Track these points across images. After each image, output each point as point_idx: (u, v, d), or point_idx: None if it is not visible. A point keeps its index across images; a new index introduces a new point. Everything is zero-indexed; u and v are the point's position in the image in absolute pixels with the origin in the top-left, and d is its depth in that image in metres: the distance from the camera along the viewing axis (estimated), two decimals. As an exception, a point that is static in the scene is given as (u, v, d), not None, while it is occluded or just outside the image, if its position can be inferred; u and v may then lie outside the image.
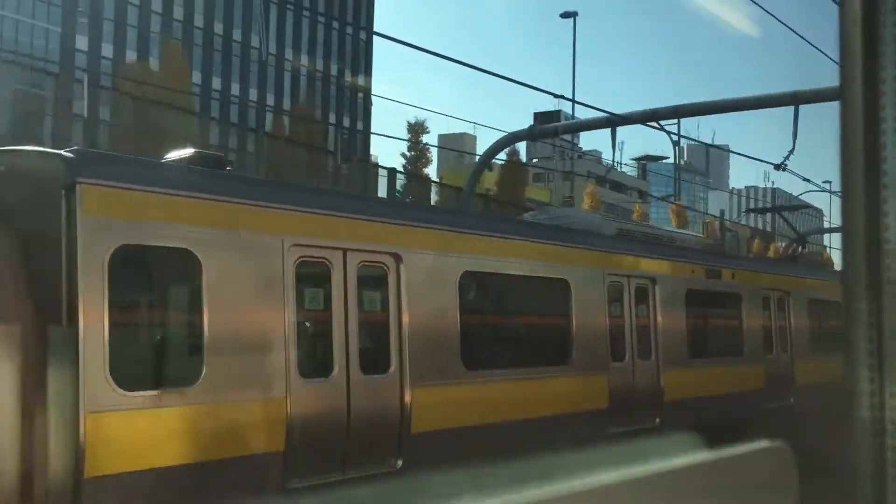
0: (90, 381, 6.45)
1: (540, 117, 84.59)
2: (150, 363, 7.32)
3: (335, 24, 67.55)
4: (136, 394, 6.79)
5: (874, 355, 1.70)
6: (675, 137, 23.40)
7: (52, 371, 6.35)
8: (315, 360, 8.36)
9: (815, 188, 38.46)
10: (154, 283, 7.64)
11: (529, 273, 11.12)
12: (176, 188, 7.33)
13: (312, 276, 8.43)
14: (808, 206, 30.76)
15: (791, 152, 19.28)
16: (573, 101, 29.59)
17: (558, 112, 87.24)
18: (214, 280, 7.39)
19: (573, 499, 3.17)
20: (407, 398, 9.03)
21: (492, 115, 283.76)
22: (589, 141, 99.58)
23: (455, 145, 43.37)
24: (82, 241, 6.52)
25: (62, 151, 6.96)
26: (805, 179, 30.68)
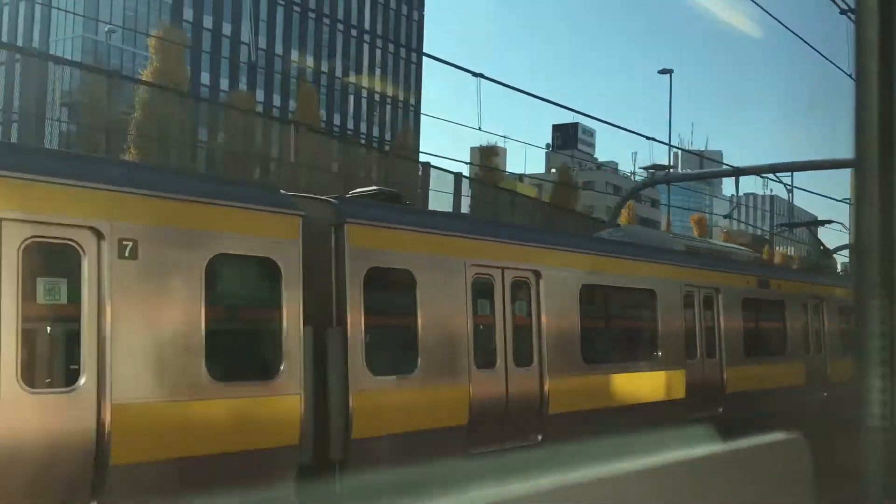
0: (354, 367, 8.72)
1: (558, 129, 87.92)
2: (388, 355, 9.57)
3: (391, 48, 71.90)
4: (381, 378, 9.07)
5: (886, 356, 1.65)
6: (789, 187, 26.63)
7: (330, 359, 8.62)
8: (485, 354, 10.59)
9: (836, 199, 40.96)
10: (389, 296, 9.90)
11: (627, 285, 13.40)
12: (401, 224, 9.63)
13: (482, 289, 10.70)
14: (831, 220, 32.28)
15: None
16: (669, 145, 32.11)
17: (575, 125, 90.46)
18: (424, 293, 9.67)
19: (598, 484, 3.42)
20: (545, 386, 11.28)
21: (512, 127, 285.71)
22: (605, 152, 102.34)
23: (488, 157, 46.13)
24: (348, 265, 8.80)
25: (330, 199, 9.24)
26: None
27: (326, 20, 68.68)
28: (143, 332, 7.10)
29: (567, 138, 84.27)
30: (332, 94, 68.36)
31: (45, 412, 6.51)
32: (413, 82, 75.00)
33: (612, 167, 78.92)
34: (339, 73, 67.17)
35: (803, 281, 19.96)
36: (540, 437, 11.23)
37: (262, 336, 8.31)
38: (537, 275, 11.40)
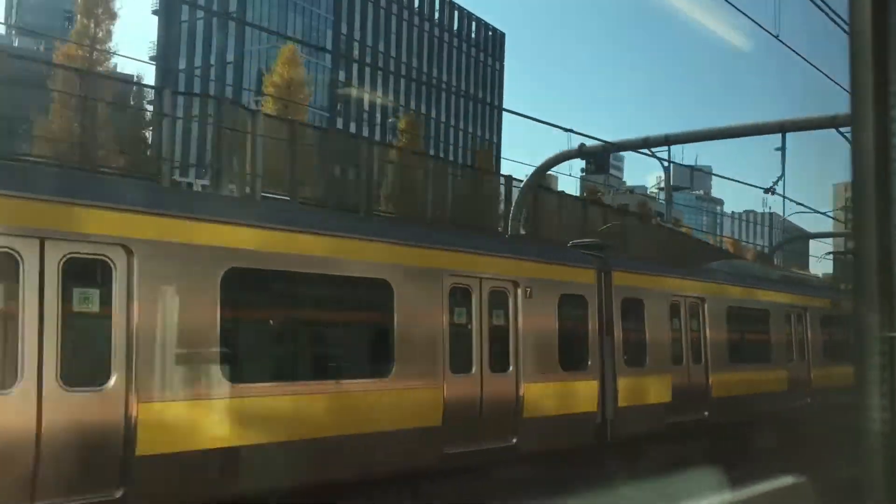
0: (618, 361, 13.55)
1: (591, 156, 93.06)
2: (633, 354, 14.36)
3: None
4: (630, 368, 13.90)
5: (885, 368, 1.68)
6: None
7: (606, 356, 13.42)
8: (676, 354, 15.40)
9: (806, 210, 45.55)
10: (632, 316, 14.67)
11: (754, 307, 18.26)
12: (636, 269, 14.51)
13: (674, 311, 15.49)
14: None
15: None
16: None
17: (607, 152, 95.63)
18: (650, 315, 14.51)
19: None
20: (710, 378, 16.09)
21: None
22: (633, 176, 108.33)
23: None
24: (615, 296, 13.65)
25: (599, 254, 14.12)
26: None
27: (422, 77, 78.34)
28: (535, 339, 11.94)
29: (600, 164, 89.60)
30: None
31: (498, 386, 11.35)
32: (495, 125, 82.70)
33: (641, 192, 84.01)
34: (443, 117, 74.58)
35: None
36: (706, 414, 16.03)
37: (581, 342, 13.11)
38: (703, 300, 16.25)
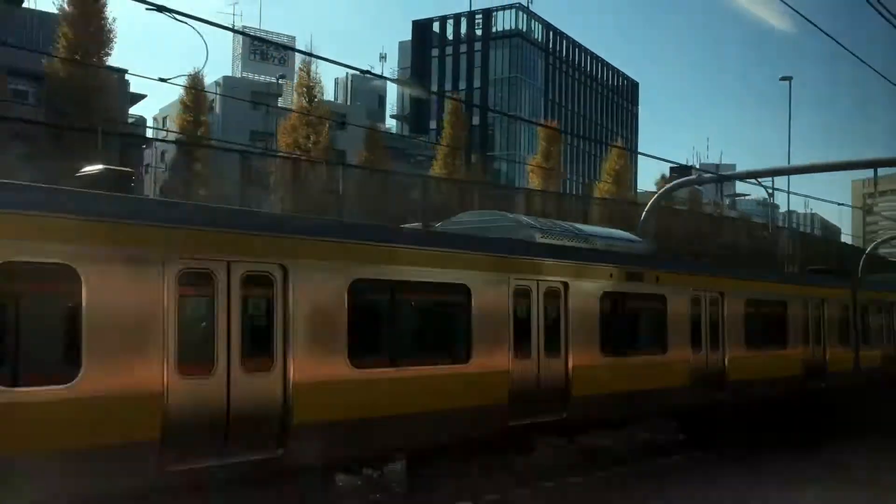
0: (860, 341, 22.86)
1: (675, 171, 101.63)
2: (865, 336, 23.59)
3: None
4: (864, 345, 23.22)
5: None
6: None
7: (852, 338, 22.70)
8: (886, 337, 24.55)
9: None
10: (866, 315, 23.79)
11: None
12: (867, 287, 23.97)
13: (885, 312, 24.65)
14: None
15: None
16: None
17: (690, 167, 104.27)
18: (873, 313, 23.82)
19: None
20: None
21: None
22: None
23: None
24: (858, 304, 22.93)
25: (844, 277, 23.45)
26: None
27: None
28: (832, 328, 21.29)
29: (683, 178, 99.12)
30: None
31: (817, 353, 20.68)
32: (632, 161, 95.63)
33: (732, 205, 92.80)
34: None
35: None
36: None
37: (846, 329, 22.25)
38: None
